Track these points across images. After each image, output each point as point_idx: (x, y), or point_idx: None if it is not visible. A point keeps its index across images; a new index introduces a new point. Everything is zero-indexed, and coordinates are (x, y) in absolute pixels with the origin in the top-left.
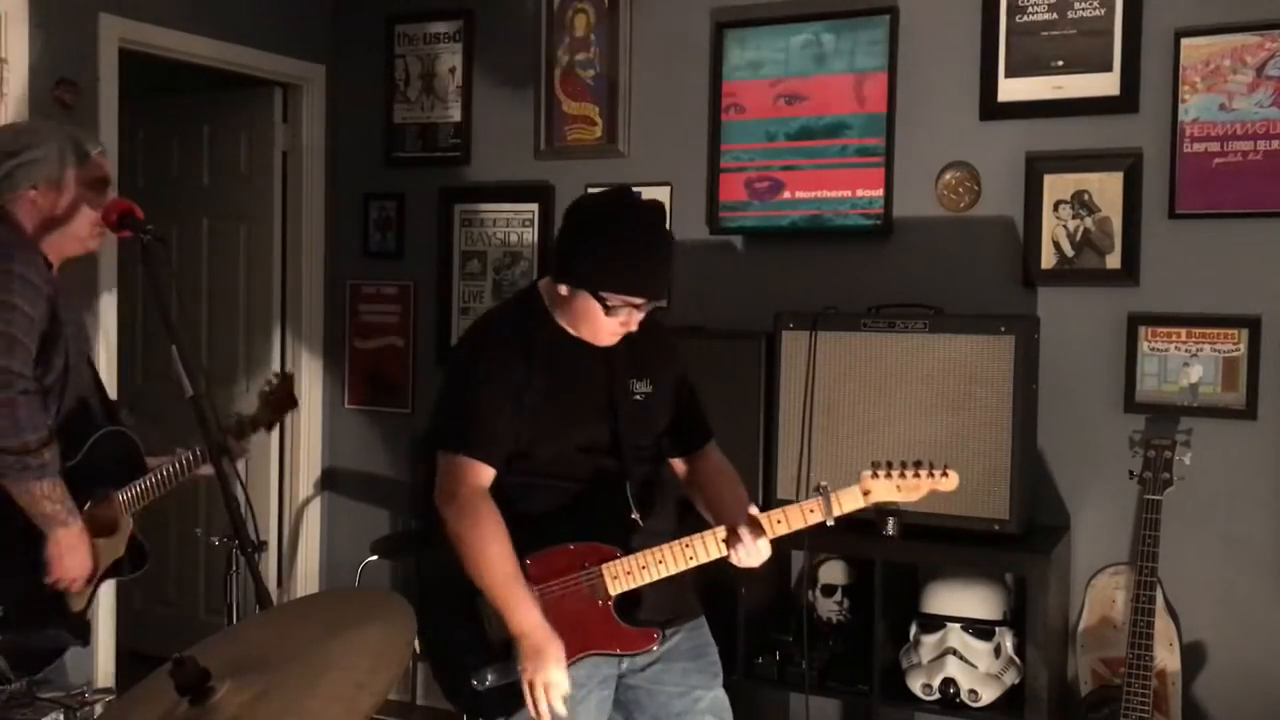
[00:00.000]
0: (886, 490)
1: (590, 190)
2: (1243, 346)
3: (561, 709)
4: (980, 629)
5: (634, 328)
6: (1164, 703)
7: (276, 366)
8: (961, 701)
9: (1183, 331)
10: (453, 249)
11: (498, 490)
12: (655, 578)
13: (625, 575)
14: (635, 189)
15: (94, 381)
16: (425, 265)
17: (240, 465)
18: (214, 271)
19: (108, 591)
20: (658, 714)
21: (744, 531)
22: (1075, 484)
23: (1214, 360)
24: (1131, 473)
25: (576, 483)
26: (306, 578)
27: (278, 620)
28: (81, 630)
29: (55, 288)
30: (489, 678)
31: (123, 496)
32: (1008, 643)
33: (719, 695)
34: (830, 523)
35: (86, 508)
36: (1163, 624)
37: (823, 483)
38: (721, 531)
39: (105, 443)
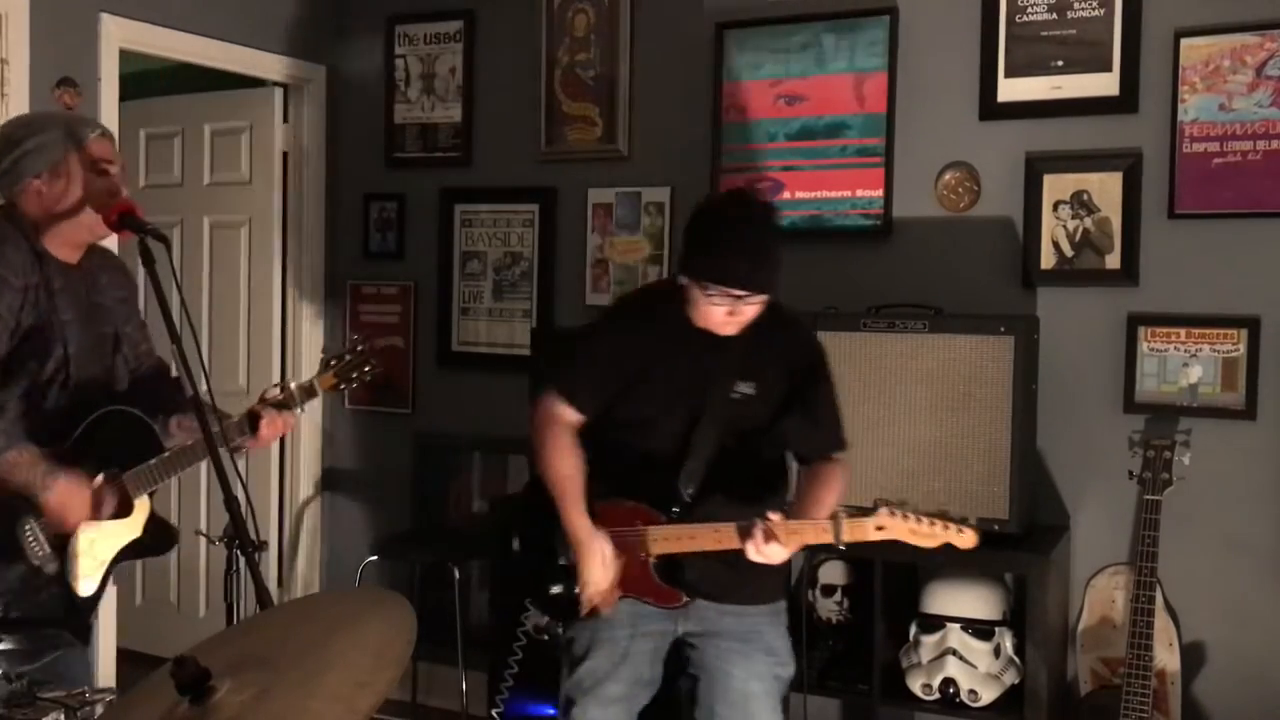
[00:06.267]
0: (900, 531)
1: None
2: (1242, 347)
3: (599, 586)
4: (980, 629)
5: (746, 318)
6: (1164, 702)
7: (277, 366)
8: (961, 701)
9: (1182, 332)
10: (453, 249)
11: (586, 433)
12: (689, 549)
13: (664, 540)
14: (748, 194)
15: (114, 364)
16: (426, 265)
17: (241, 464)
18: (215, 271)
19: (108, 591)
20: (709, 679)
21: (757, 530)
22: (1075, 484)
23: (1213, 360)
24: (1131, 473)
25: (643, 451)
26: (306, 578)
27: (278, 620)
28: (82, 631)
29: (50, 278)
30: (556, 588)
31: (132, 477)
32: (1007, 643)
33: (744, 686)
34: (841, 546)
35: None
36: (1162, 624)
37: (839, 508)
38: (746, 525)
39: (108, 424)
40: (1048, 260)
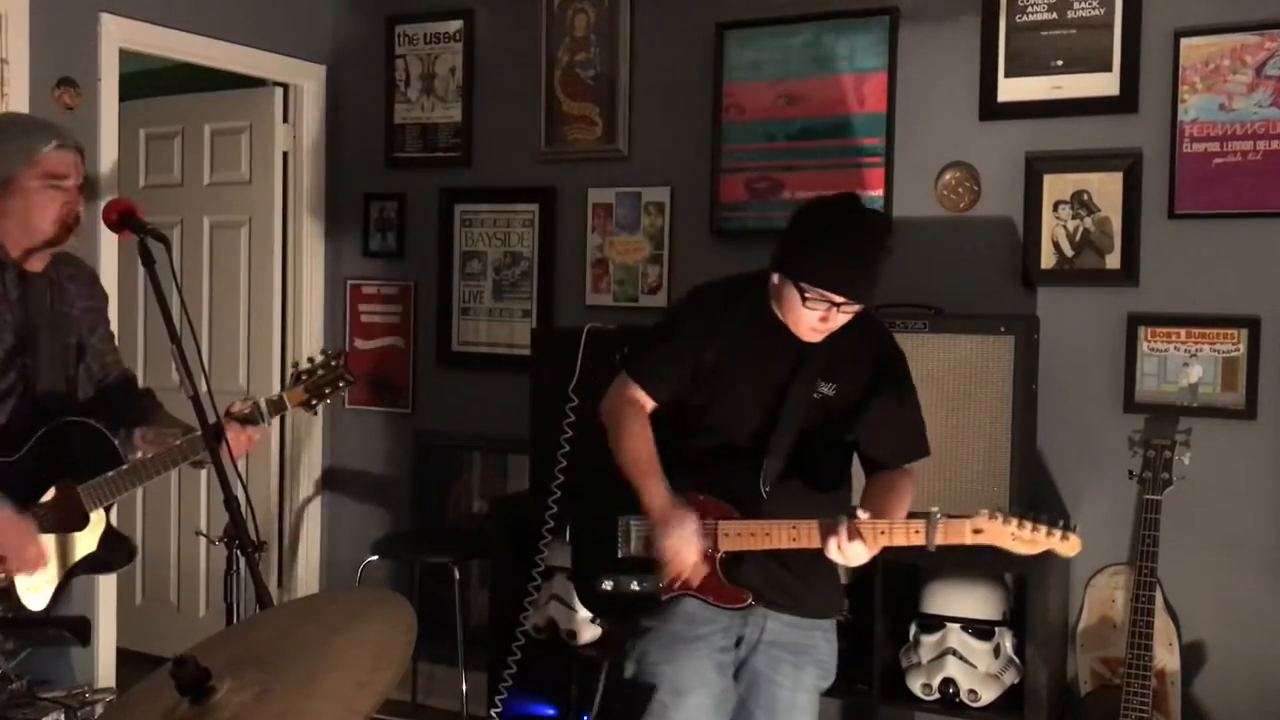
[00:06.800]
0: (999, 536)
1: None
2: (1242, 346)
3: (687, 560)
4: (980, 629)
5: (833, 327)
6: (1163, 702)
7: (277, 366)
8: (961, 701)
9: (1182, 331)
10: (453, 249)
11: (664, 427)
12: (762, 546)
13: (736, 536)
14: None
15: (77, 374)
16: (426, 265)
17: (241, 464)
18: (215, 271)
19: (108, 591)
20: (753, 683)
21: (842, 528)
22: (1075, 484)
23: (1213, 360)
24: (1131, 472)
25: (720, 445)
26: (306, 578)
27: (278, 620)
28: (81, 630)
29: (10, 287)
30: (606, 584)
31: (87, 490)
32: (1007, 643)
33: (791, 698)
34: (931, 549)
35: (40, 502)
36: (1162, 624)
37: (934, 509)
38: (830, 522)
39: (65, 436)
40: (1048, 260)
